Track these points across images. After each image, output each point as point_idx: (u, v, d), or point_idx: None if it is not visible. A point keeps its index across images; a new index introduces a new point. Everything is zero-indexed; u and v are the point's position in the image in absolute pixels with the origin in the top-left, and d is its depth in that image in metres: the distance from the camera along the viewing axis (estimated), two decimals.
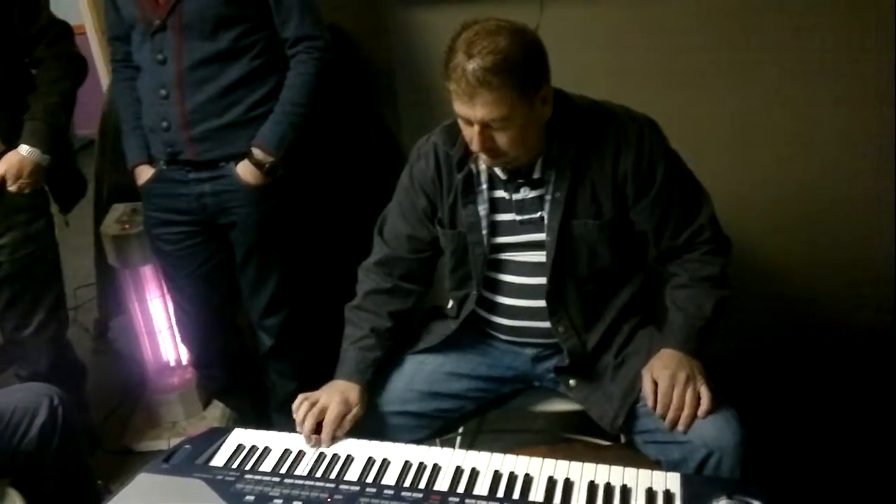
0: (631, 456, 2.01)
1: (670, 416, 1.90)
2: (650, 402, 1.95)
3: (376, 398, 2.14)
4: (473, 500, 1.69)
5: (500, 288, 2.18)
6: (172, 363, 3.52)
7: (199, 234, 2.77)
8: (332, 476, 1.81)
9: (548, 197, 2.03)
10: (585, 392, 2.13)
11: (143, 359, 3.47)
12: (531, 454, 1.82)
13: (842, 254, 3.15)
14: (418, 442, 2.03)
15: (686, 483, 1.69)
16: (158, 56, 2.53)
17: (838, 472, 2.81)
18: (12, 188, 2.60)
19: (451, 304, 2.31)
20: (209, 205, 2.67)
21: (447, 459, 1.83)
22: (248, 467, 1.84)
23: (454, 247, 2.16)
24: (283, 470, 1.84)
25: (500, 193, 2.09)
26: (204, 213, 2.70)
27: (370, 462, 1.84)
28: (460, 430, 2.46)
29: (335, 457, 1.88)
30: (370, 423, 2.09)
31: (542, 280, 2.09)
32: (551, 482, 1.73)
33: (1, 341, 2.93)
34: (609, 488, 1.70)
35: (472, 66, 1.79)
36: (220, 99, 2.55)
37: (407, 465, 1.82)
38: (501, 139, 1.88)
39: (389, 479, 1.79)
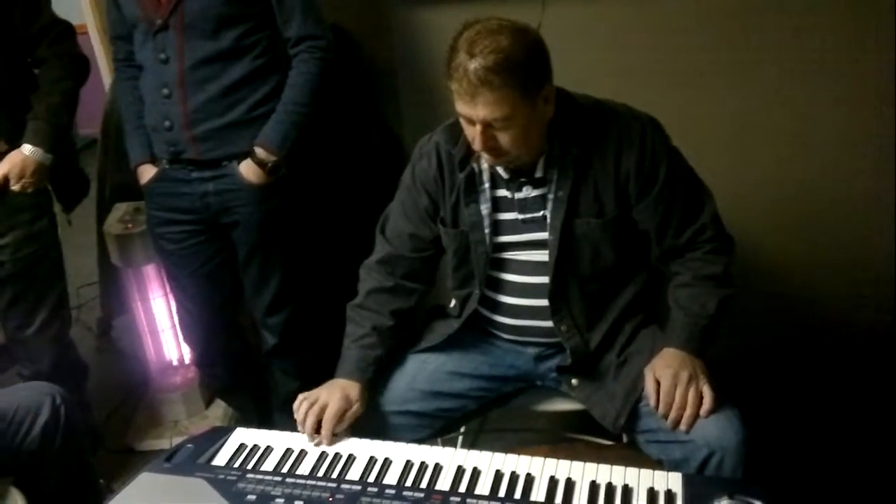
0: (633, 456, 2.01)
1: (672, 415, 1.91)
2: (652, 402, 1.95)
3: (378, 397, 2.15)
4: (475, 500, 1.69)
5: (502, 287, 2.18)
6: (175, 362, 3.53)
7: (202, 233, 2.77)
8: (334, 475, 1.81)
9: (550, 196, 2.03)
10: (588, 391, 2.13)
11: (146, 358, 3.48)
12: (533, 454, 1.83)
13: (842, 254, 3.15)
14: (420, 441, 2.04)
15: (688, 483, 1.69)
16: (161, 55, 2.53)
17: (839, 472, 2.81)
18: (15, 187, 2.61)
19: (453, 303, 2.31)
20: (212, 204, 2.68)
21: (449, 459, 1.83)
22: (249, 467, 1.85)
23: (456, 246, 2.17)
24: (285, 469, 1.84)
25: (503, 192, 2.09)
26: (207, 213, 2.70)
27: (372, 461, 1.85)
28: (462, 429, 2.47)
29: (337, 456, 1.88)
30: (372, 423, 2.10)
31: (545, 279, 2.09)
32: (553, 482, 1.73)
33: (3, 340, 2.94)
34: (611, 488, 1.71)
35: (473, 65, 1.79)
36: (222, 98, 2.55)
37: (408, 465, 1.82)
38: (503, 139, 1.88)
39: (391, 478, 1.79)
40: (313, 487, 1.75)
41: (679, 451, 1.91)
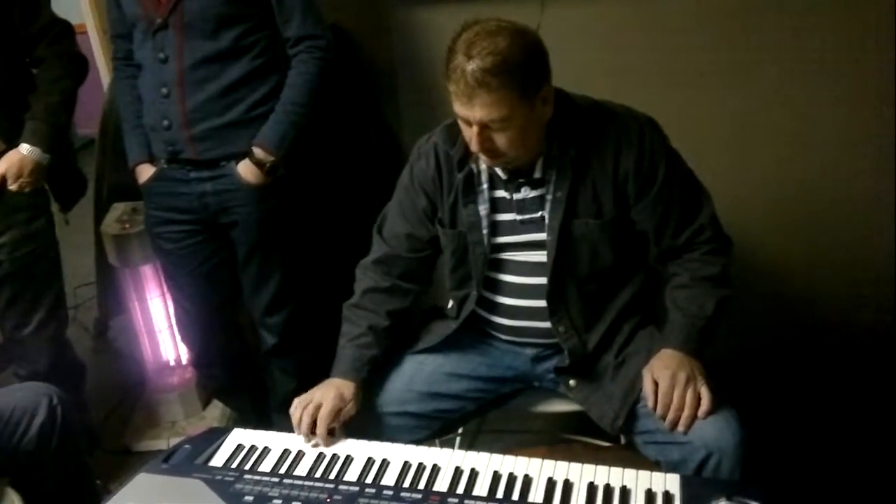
0: (630, 457, 2.01)
1: (670, 416, 1.90)
2: (650, 403, 1.95)
3: (376, 398, 2.15)
4: (472, 501, 1.69)
5: (500, 288, 2.18)
6: (172, 363, 3.52)
7: (200, 233, 2.77)
8: (332, 476, 1.81)
9: (548, 196, 2.03)
10: (585, 392, 2.13)
11: (143, 358, 3.47)
12: (530, 455, 1.82)
13: (842, 254, 3.15)
14: (418, 442, 2.03)
15: (685, 484, 1.69)
16: (160, 54, 2.53)
17: (838, 473, 2.81)
18: (13, 187, 2.60)
19: (451, 304, 2.31)
20: (210, 204, 2.67)
21: (446, 460, 1.83)
22: (247, 467, 1.85)
23: (454, 246, 2.16)
24: (283, 470, 1.84)
25: (501, 193, 2.09)
26: (205, 212, 2.70)
27: (369, 462, 1.85)
28: (460, 430, 2.46)
29: (334, 457, 1.88)
30: (370, 424, 2.10)
31: (543, 280, 2.09)
32: (550, 483, 1.73)
33: (0, 340, 2.93)
34: (608, 489, 1.70)
35: (471, 66, 1.79)
36: (221, 98, 2.55)
37: (406, 466, 1.82)
38: (501, 140, 1.88)
39: (389, 479, 1.79)
40: (311, 488, 1.74)
41: (677, 452, 1.91)
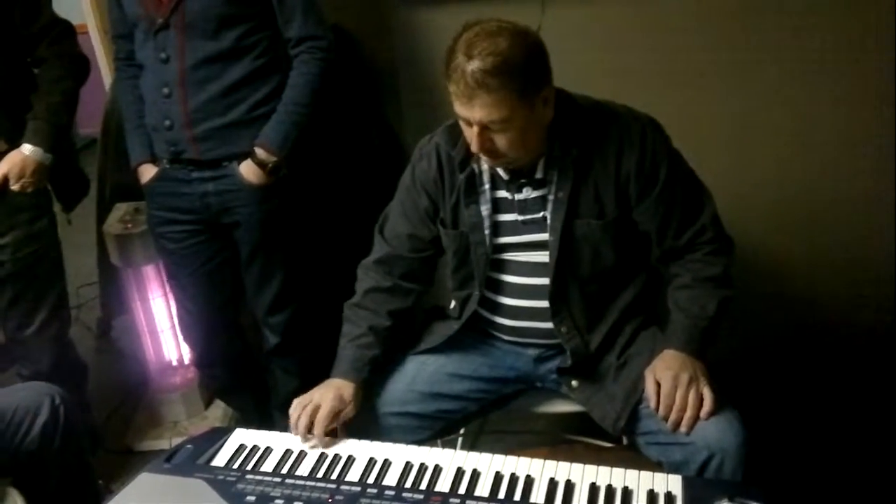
0: (632, 458, 2.01)
1: (673, 417, 1.90)
2: (653, 404, 1.95)
3: (378, 399, 2.15)
4: (474, 502, 1.69)
5: (502, 288, 2.18)
6: (174, 363, 3.53)
7: (203, 233, 2.77)
8: (334, 476, 1.81)
9: (550, 197, 2.03)
10: (588, 393, 2.13)
11: (145, 358, 3.48)
12: (532, 455, 1.82)
13: (842, 254, 3.15)
14: (419, 443, 2.03)
15: (687, 485, 1.69)
16: (161, 55, 2.53)
17: (839, 473, 2.81)
18: (15, 187, 2.61)
19: (453, 304, 2.31)
20: (212, 204, 2.68)
21: (448, 460, 1.83)
22: (249, 467, 1.85)
23: (456, 247, 2.16)
24: (285, 470, 1.84)
25: (503, 193, 2.09)
26: (207, 213, 2.71)
27: (371, 463, 1.85)
28: (462, 431, 2.46)
29: (336, 457, 1.88)
30: (371, 424, 2.10)
31: (545, 280, 2.09)
32: (552, 484, 1.73)
33: (3, 340, 2.94)
34: (610, 490, 1.71)
35: (471, 67, 1.79)
36: (222, 98, 2.55)
37: (408, 466, 1.82)
38: (501, 141, 1.88)
39: (391, 479, 1.79)
40: (313, 488, 1.74)
41: (679, 453, 1.91)
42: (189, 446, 1.92)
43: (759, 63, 2.95)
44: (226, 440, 1.95)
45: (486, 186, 2.09)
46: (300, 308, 2.91)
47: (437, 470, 1.80)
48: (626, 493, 1.69)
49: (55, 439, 2.20)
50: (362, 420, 2.06)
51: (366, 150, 3.36)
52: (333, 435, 1.96)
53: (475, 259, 2.14)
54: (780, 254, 3.21)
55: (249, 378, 3.16)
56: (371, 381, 2.15)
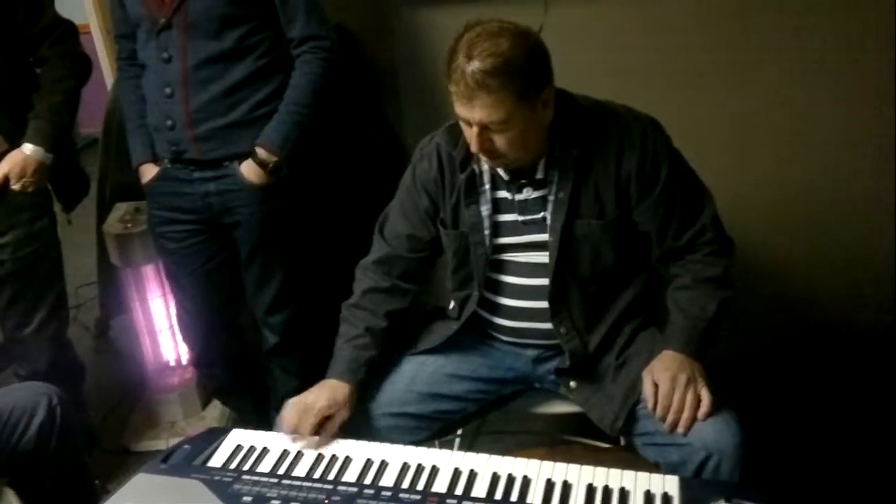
0: (630, 458, 2.01)
1: (670, 418, 1.90)
2: (650, 405, 1.95)
3: (376, 399, 2.15)
4: (471, 502, 1.69)
5: (501, 289, 2.18)
6: (172, 363, 3.52)
7: (203, 233, 2.77)
8: (330, 477, 1.81)
9: (550, 197, 2.03)
10: (586, 394, 2.13)
11: (144, 358, 3.47)
12: (530, 456, 1.82)
13: (842, 254, 3.15)
14: (417, 443, 2.02)
15: (685, 486, 1.69)
16: (163, 54, 2.54)
17: (838, 474, 2.81)
18: (16, 187, 2.61)
19: (452, 304, 2.31)
20: (213, 204, 2.68)
21: (445, 461, 1.83)
22: (245, 468, 1.85)
23: (456, 247, 2.16)
24: (281, 471, 1.84)
25: (503, 194, 2.09)
26: (208, 212, 2.71)
27: (368, 463, 1.85)
28: (459, 431, 2.46)
29: (333, 458, 1.88)
30: (369, 424, 2.11)
31: (545, 281, 2.09)
32: (550, 484, 1.73)
33: (1, 339, 2.94)
34: (607, 491, 1.70)
35: (471, 68, 1.79)
36: (224, 98, 2.55)
37: (405, 467, 1.82)
38: (500, 141, 1.88)
39: (387, 480, 1.79)
40: (309, 489, 1.74)
41: (676, 453, 1.91)
42: (186, 447, 1.91)
43: (759, 63, 2.95)
44: (223, 441, 1.95)
45: (487, 187, 2.09)
46: (300, 308, 2.91)
47: (435, 470, 1.80)
48: (624, 493, 1.69)
49: (52, 439, 2.20)
50: (354, 421, 2.06)
51: (366, 150, 3.36)
52: (316, 434, 1.96)
53: (475, 259, 2.14)
54: (780, 254, 3.21)
55: (248, 378, 3.17)
56: (366, 383, 2.14)
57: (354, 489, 1.73)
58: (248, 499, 1.71)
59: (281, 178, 2.64)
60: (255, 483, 1.76)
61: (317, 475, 1.82)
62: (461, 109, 1.87)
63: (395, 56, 3.30)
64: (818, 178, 3.06)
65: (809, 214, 3.12)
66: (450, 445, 2.36)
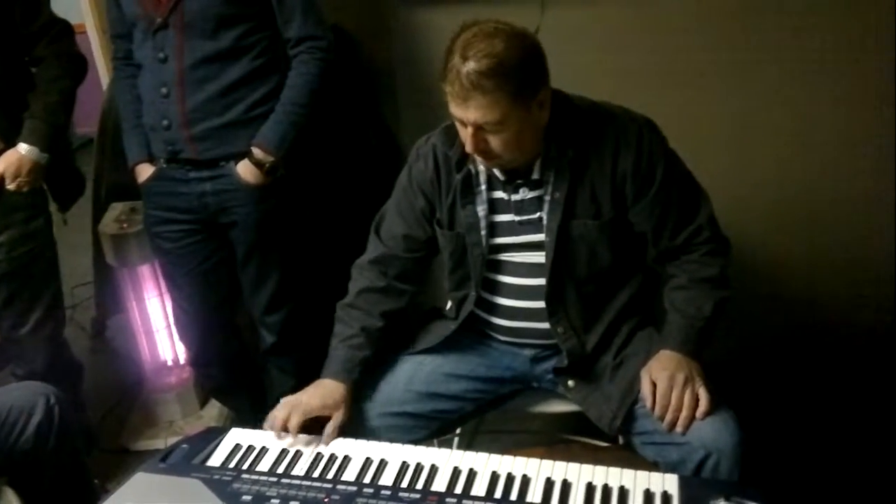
0: (629, 457, 2.01)
1: (669, 417, 1.90)
2: (649, 404, 1.95)
3: (374, 398, 2.14)
4: (471, 501, 1.69)
5: (498, 289, 2.17)
6: (170, 362, 3.52)
7: (200, 233, 2.77)
8: (330, 476, 1.81)
9: (547, 198, 2.03)
10: (584, 393, 2.13)
11: (141, 358, 3.47)
12: (529, 455, 1.82)
13: (842, 254, 3.15)
14: (416, 442, 2.03)
15: (684, 485, 1.69)
16: (160, 54, 2.53)
17: (838, 474, 2.81)
18: (11, 186, 2.60)
19: (449, 305, 2.31)
20: (210, 204, 2.67)
21: (445, 460, 1.83)
22: (245, 467, 1.84)
23: (453, 248, 2.16)
24: (281, 470, 1.84)
25: (499, 194, 2.08)
26: (205, 212, 2.70)
27: (367, 462, 1.84)
28: (458, 430, 2.46)
29: (332, 457, 1.88)
30: (368, 424, 2.10)
31: (541, 281, 2.08)
32: (549, 483, 1.73)
33: None
34: (607, 490, 1.70)
35: (466, 68, 1.79)
36: (220, 98, 2.54)
37: (404, 466, 1.82)
38: (495, 142, 1.88)
39: (387, 479, 1.79)
40: (309, 488, 1.74)
41: (675, 452, 1.91)
42: (184, 446, 1.91)
43: (759, 63, 2.95)
44: (221, 440, 1.95)
45: (483, 187, 2.09)
46: (296, 308, 2.91)
47: (434, 470, 1.80)
48: (623, 492, 1.69)
49: (50, 439, 2.20)
50: (352, 420, 2.06)
51: (363, 151, 3.36)
52: (317, 433, 1.96)
53: (471, 260, 2.14)
54: (779, 254, 3.21)
55: (245, 378, 3.16)
56: (363, 382, 2.14)
57: (354, 488, 1.73)
58: (248, 498, 1.71)
59: (277, 178, 2.64)
60: (255, 482, 1.76)
61: (316, 474, 1.82)
62: (456, 110, 1.87)
63: (391, 56, 3.29)
64: (818, 178, 3.06)
65: (809, 214, 3.12)
66: (449, 444, 2.35)
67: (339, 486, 1.74)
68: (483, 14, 1.90)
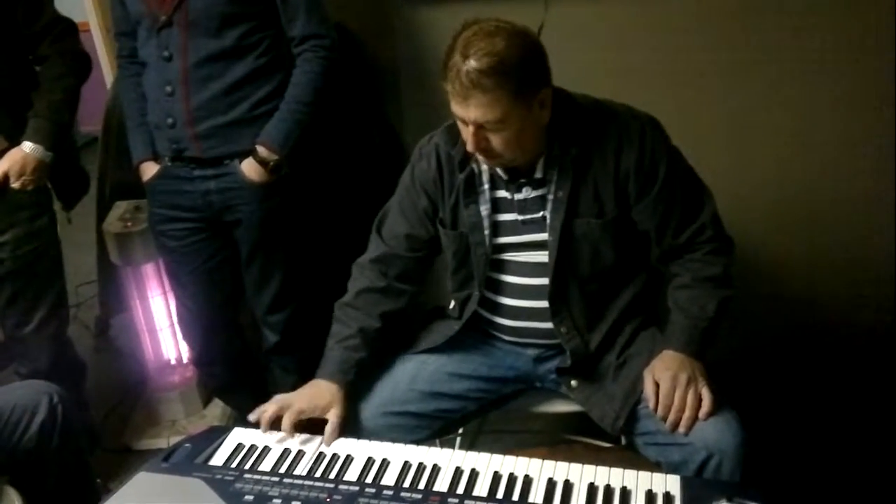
0: (631, 458, 2.01)
1: (671, 417, 1.90)
2: (651, 404, 1.95)
3: (378, 398, 2.14)
4: (473, 502, 1.69)
5: (502, 288, 2.18)
6: (173, 361, 3.52)
7: (204, 231, 2.77)
8: (332, 476, 1.81)
9: (550, 196, 2.03)
10: (587, 393, 2.13)
11: (144, 357, 3.47)
12: (531, 455, 1.82)
13: (842, 254, 3.15)
14: (418, 442, 2.02)
15: (686, 485, 1.69)
16: (164, 53, 2.54)
17: (838, 473, 2.81)
18: (15, 185, 2.60)
19: (452, 304, 2.31)
20: (214, 202, 2.68)
21: (447, 460, 1.83)
22: (247, 467, 1.85)
23: (456, 247, 2.16)
24: (283, 469, 1.84)
25: (502, 193, 2.09)
26: (209, 211, 2.71)
27: (370, 462, 1.85)
28: (460, 430, 2.46)
29: (334, 457, 1.88)
30: (370, 423, 2.10)
31: (545, 280, 2.09)
32: (551, 484, 1.73)
33: (1, 338, 2.94)
34: (609, 490, 1.70)
35: (466, 67, 1.79)
36: (225, 96, 2.55)
37: (406, 466, 1.82)
38: (496, 141, 1.88)
39: (389, 479, 1.79)
40: (311, 488, 1.74)
41: (677, 453, 1.91)
42: (187, 445, 1.92)
43: (759, 63, 2.95)
44: (224, 439, 1.95)
45: (486, 186, 2.09)
46: (300, 307, 2.91)
47: (436, 469, 1.80)
48: (625, 493, 1.69)
49: (53, 438, 2.20)
50: (355, 420, 2.07)
51: (367, 149, 3.36)
52: (318, 433, 1.97)
53: (475, 259, 2.14)
54: (780, 254, 3.21)
55: (248, 377, 3.17)
56: (363, 383, 2.15)
57: (356, 488, 1.74)
58: (250, 497, 1.71)
59: (281, 177, 2.64)
60: (257, 482, 1.76)
61: (318, 474, 1.82)
62: (457, 108, 1.87)
63: (395, 55, 3.29)
64: (818, 178, 3.06)
65: (809, 214, 3.12)
66: (451, 445, 2.35)
67: (341, 486, 1.74)
68: (488, 12, 1.90)
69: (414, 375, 2.19)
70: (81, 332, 4.18)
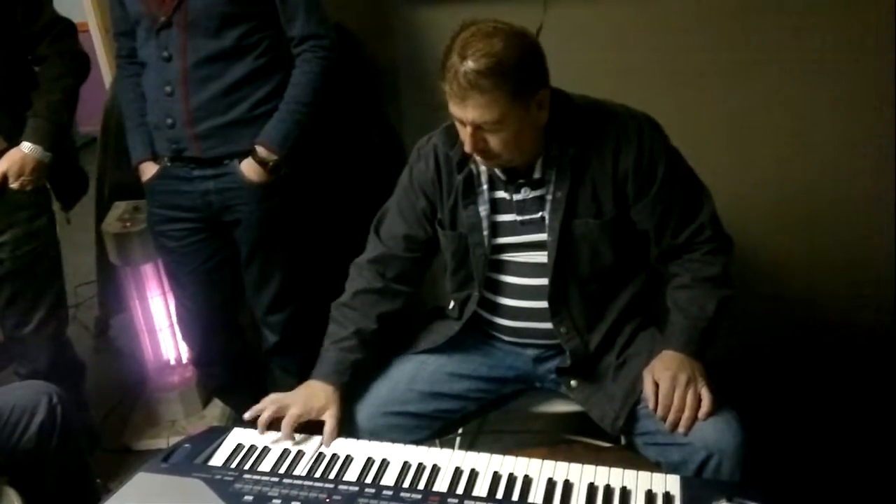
0: (631, 458, 2.01)
1: (671, 417, 1.90)
2: (651, 404, 1.95)
3: (377, 398, 2.14)
4: (472, 502, 1.69)
5: (501, 289, 2.17)
6: (172, 362, 3.52)
7: (203, 231, 2.77)
8: (331, 476, 1.81)
9: (548, 197, 2.03)
10: (586, 393, 2.13)
11: (143, 357, 3.47)
12: (531, 455, 1.82)
13: (842, 254, 3.15)
14: (418, 442, 2.02)
15: (686, 485, 1.70)
16: (163, 53, 2.54)
17: (838, 473, 2.81)
18: (14, 185, 2.60)
19: (452, 305, 2.30)
20: (213, 202, 2.68)
21: (446, 460, 1.83)
22: (246, 467, 1.85)
23: (455, 248, 2.16)
24: (282, 470, 1.84)
25: (501, 194, 2.08)
26: (208, 211, 2.70)
27: (369, 462, 1.85)
28: (460, 430, 2.46)
29: (334, 457, 1.88)
30: (370, 423, 2.10)
31: (544, 281, 2.08)
32: (551, 484, 1.73)
33: (1, 338, 2.94)
34: (608, 490, 1.71)
35: (464, 67, 1.79)
36: (224, 96, 2.55)
37: (406, 466, 1.82)
38: (494, 141, 1.88)
39: (388, 479, 1.79)
40: (310, 488, 1.74)
41: (677, 453, 1.91)
42: (187, 445, 1.92)
43: (759, 63, 2.95)
44: (223, 439, 1.95)
45: (485, 187, 2.09)
46: (299, 307, 2.91)
47: (435, 470, 1.80)
48: (625, 493, 1.70)
49: (52, 438, 2.20)
50: (353, 420, 2.07)
51: (366, 150, 3.35)
52: (310, 432, 1.97)
53: (474, 260, 2.14)
54: (780, 254, 3.21)
55: (248, 377, 3.16)
56: (361, 383, 2.15)
57: (356, 488, 1.74)
58: (250, 498, 1.71)
59: (281, 177, 2.64)
60: (257, 482, 1.76)
61: (318, 474, 1.82)
62: (455, 109, 1.87)
63: (395, 55, 3.29)
64: (818, 178, 3.06)
65: (809, 214, 3.12)
66: (451, 445, 2.35)
67: (341, 487, 1.74)
68: (487, 13, 1.90)
69: (413, 376, 2.19)
70: (81, 333, 4.18)
